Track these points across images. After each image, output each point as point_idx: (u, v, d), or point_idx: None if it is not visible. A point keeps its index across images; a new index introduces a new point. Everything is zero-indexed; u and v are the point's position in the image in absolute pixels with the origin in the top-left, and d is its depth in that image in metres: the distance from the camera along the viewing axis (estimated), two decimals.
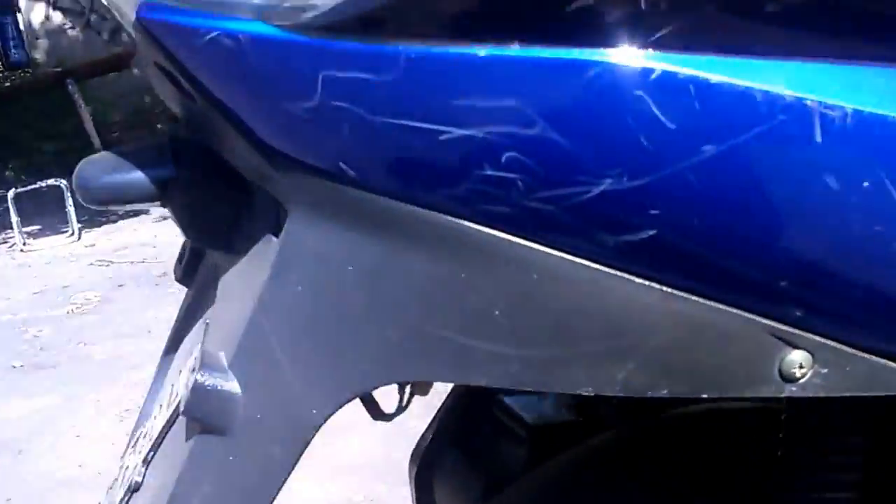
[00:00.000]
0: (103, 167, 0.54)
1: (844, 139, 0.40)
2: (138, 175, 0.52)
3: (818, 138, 0.39)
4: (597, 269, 0.42)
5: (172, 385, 0.59)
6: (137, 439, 0.64)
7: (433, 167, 0.42)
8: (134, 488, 0.58)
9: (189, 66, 0.42)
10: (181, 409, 0.46)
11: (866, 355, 0.45)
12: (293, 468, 0.47)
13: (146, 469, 0.58)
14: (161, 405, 0.60)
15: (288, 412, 0.46)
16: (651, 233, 0.41)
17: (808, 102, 0.39)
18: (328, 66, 0.40)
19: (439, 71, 0.40)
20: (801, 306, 0.43)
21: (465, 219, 0.42)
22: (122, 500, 0.59)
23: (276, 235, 0.46)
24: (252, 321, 0.45)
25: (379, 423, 0.72)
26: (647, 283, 0.42)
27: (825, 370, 0.45)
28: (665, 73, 0.39)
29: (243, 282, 0.51)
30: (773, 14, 0.41)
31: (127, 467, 0.62)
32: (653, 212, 0.41)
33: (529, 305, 0.43)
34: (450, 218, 0.42)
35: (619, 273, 0.42)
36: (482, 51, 0.39)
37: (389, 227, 0.43)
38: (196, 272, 0.69)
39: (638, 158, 0.40)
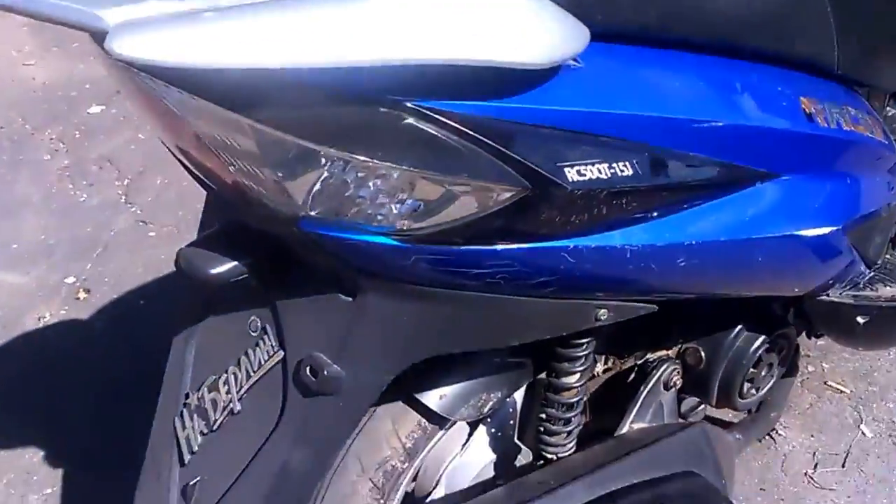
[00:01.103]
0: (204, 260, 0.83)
1: None
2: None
3: None
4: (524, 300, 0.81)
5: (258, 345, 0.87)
6: (225, 379, 0.89)
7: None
8: (232, 412, 0.88)
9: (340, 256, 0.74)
10: (309, 385, 0.81)
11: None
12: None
13: (241, 402, 0.87)
14: (247, 360, 0.88)
15: (370, 381, 0.82)
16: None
17: None
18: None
19: None
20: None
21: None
22: (216, 420, 0.89)
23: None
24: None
25: None
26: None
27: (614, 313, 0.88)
28: None
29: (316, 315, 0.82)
30: None
31: (213, 400, 0.90)
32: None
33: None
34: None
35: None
36: None
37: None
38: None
39: None
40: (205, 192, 0.94)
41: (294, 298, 0.83)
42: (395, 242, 0.72)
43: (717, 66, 0.88)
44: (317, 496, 0.92)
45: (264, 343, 0.85)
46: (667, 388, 1.21)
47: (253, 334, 0.87)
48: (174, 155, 0.83)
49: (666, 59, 0.83)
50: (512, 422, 1.19)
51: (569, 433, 1.09)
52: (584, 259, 0.78)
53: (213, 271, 0.81)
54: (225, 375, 0.89)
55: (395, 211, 0.70)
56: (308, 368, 0.80)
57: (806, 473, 1.60)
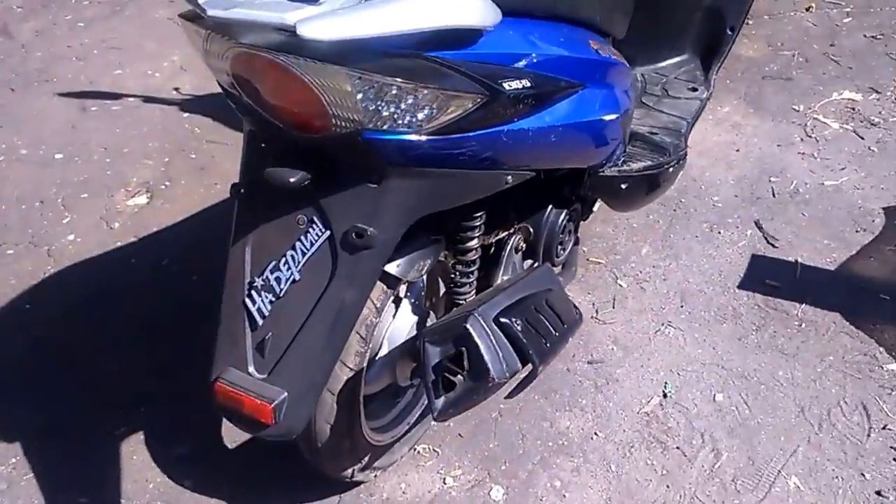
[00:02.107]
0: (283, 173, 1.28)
1: None
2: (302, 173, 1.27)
3: None
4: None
5: (307, 232, 1.32)
6: (284, 261, 1.33)
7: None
8: (294, 280, 1.32)
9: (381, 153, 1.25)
10: (355, 244, 1.29)
11: None
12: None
13: (300, 273, 1.32)
14: (301, 243, 1.32)
15: (391, 235, 1.33)
16: None
17: None
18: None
19: None
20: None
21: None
22: (282, 289, 1.33)
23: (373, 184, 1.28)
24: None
25: None
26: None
27: (513, 178, 1.49)
28: None
29: (352, 200, 1.29)
30: None
31: (277, 277, 1.33)
32: None
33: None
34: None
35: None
36: None
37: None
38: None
39: None
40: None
41: (335, 194, 1.30)
42: (414, 137, 1.24)
43: (554, 27, 1.52)
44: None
45: (313, 229, 1.31)
46: (516, 252, 1.80)
47: (301, 226, 1.32)
48: (253, 113, 1.28)
49: (532, 24, 1.46)
50: (423, 293, 1.72)
51: (471, 284, 1.64)
52: (507, 137, 1.34)
53: (293, 179, 1.25)
54: (283, 259, 1.33)
55: (417, 116, 1.22)
56: (354, 234, 1.28)
57: (592, 317, 2.27)
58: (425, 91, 1.20)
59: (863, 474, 1.84)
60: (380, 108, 1.19)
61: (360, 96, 1.16)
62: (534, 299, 1.52)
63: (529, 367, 1.40)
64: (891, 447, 1.89)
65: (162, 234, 2.63)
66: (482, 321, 1.36)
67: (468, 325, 1.34)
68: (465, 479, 1.88)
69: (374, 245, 1.29)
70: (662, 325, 2.24)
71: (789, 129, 2.99)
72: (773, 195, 2.68)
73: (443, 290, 1.76)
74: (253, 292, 1.35)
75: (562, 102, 1.47)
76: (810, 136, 2.94)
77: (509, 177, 1.45)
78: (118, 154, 3.02)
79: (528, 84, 1.33)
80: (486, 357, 1.34)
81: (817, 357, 2.12)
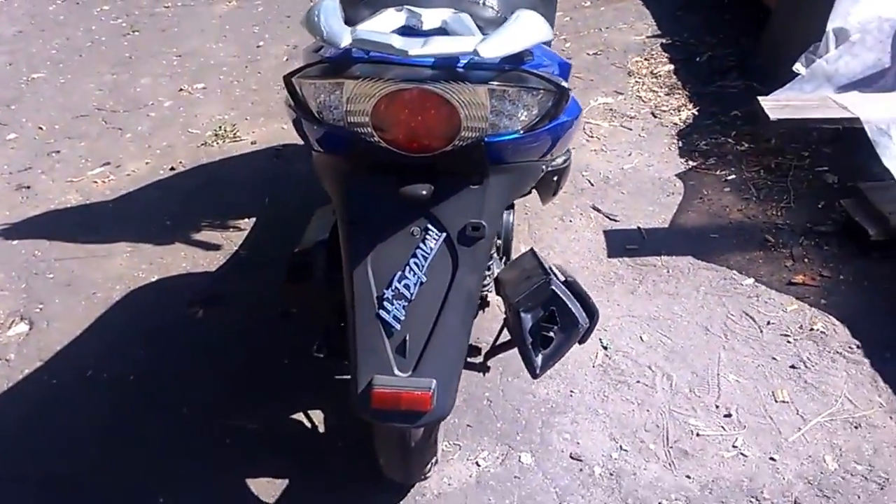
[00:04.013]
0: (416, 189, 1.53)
1: None
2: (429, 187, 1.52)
3: None
4: None
5: (424, 240, 1.53)
6: (409, 269, 1.52)
7: None
8: (422, 283, 1.52)
9: (488, 153, 1.54)
10: (472, 236, 1.54)
11: None
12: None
13: (426, 275, 1.52)
14: (421, 250, 1.53)
15: (495, 224, 1.59)
16: None
17: None
18: None
19: None
20: None
21: None
22: (413, 293, 1.52)
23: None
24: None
25: None
26: None
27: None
28: None
29: (460, 202, 1.54)
30: None
31: (406, 284, 1.51)
32: None
33: None
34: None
35: None
36: None
37: None
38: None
39: None
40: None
41: (443, 202, 1.52)
42: (515, 136, 1.52)
43: None
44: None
45: (429, 235, 1.52)
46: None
47: (416, 237, 1.52)
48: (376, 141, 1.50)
49: None
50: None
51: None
52: (559, 130, 1.64)
53: (424, 192, 1.48)
54: (407, 267, 1.52)
55: (520, 117, 1.49)
56: (470, 228, 1.51)
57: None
58: (525, 94, 1.48)
59: (773, 358, 2.34)
60: (500, 113, 1.46)
61: (495, 107, 1.43)
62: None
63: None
64: (781, 334, 2.42)
65: (66, 350, 2.53)
66: (558, 283, 1.63)
67: (553, 288, 1.61)
68: (493, 457, 2.10)
69: (483, 237, 1.53)
70: None
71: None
72: (592, 185, 3.20)
73: None
74: (385, 303, 1.51)
75: (571, 100, 1.79)
76: (592, 137, 3.53)
77: (544, 167, 1.74)
78: None
79: (566, 84, 1.65)
80: (573, 310, 1.61)
81: (693, 290, 2.62)
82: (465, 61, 1.44)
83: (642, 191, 3.15)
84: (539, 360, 1.61)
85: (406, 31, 1.50)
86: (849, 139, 3.17)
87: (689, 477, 2.02)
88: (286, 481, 2.04)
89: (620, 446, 2.11)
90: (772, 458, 2.05)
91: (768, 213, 2.94)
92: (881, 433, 2.09)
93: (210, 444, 2.18)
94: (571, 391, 2.28)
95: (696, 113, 3.64)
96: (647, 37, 4.41)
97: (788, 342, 2.39)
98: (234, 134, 3.72)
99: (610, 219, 3.00)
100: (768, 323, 2.47)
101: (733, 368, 2.32)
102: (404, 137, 1.47)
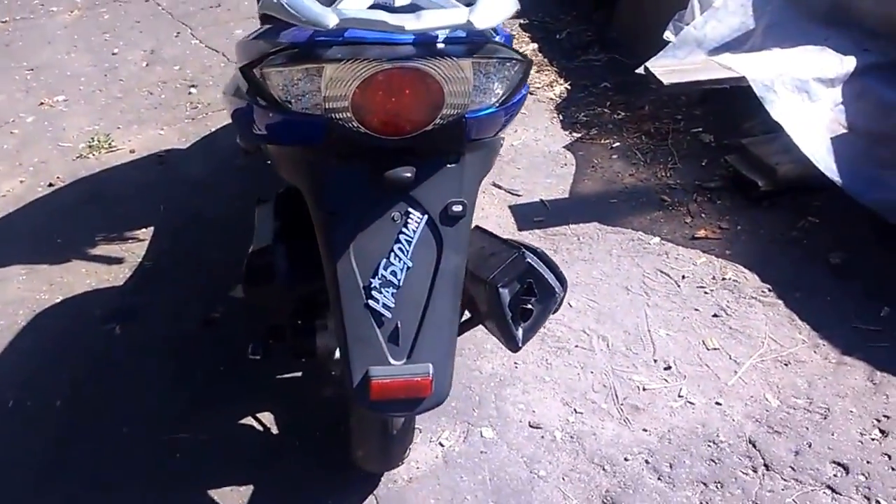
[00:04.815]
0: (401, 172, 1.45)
1: None
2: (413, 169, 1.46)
3: None
4: None
5: (406, 223, 1.47)
6: (394, 255, 1.46)
7: None
8: (408, 268, 1.46)
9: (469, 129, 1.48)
10: (454, 216, 1.49)
11: None
12: None
13: (411, 259, 1.46)
14: (404, 235, 1.46)
15: (474, 201, 1.55)
16: None
17: None
18: None
19: None
20: None
21: None
22: (400, 279, 1.45)
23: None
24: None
25: None
26: None
27: None
28: None
29: (439, 182, 1.48)
30: None
31: (392, 271, 1.46)
32: None
33: None
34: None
35: None
36: None
37: None
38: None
39: None
40: None
41: (422, 183, 1.46)
42: (493, 109, 1.47)
43: None
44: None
45: (411, 219, 1.46)
46: None
47: (397, 222, 1.46)
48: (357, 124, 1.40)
49: None
50: None
51: None
52: (520, 103, 1.60)
53: (408, 175, 1.43)
54: (392, 254, 1.46)
55: (496, 91, 1.46)
56: (452, 208, 1.46)
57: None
58: (501, 66, 1.44)
59: (696, 309, 2.45)
60: (480, 88, 1.42)
61: (475, 82, 1.39)
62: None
63: None
64: (697, 287, 2.53)
65: None
66: (531, 255, 1.63)
67: (529, 261, 1.60)
68: (455, 436, 2.08)
69: (465, 215, 1.49)
70: None
71: None
72: None
73: None
74: (373, 293, 1.45)
75: None
76: None
77: (501, 141, 1.72)
78: None
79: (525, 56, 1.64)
80: (549, 280, 1.61)
81: (606, 254, 2.70)
82: (443, 36, 1.38)
83: (536, 165, 3.20)
84: (520, 333, 1.60)
85: (378, 7, 1.43)
86: (714, 100, 3.36)
87: (645, 430, 2.08)
88: (251, 487, 1.93)
89: (574, 410, 2.14)
90: (717, 403, 2.14)
91: (658, 175, 3.06)
92: (810, 367, 2.23)
93: (159, 461, 2.03)
94: (515, 363, 2.29)
95: (569, 87, 3.74)
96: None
97: (706, 293, 2.50)
98: (110, 144, 3.47)
99: (512, 194, 3.03)
100: (683, 277, 2.57)
101: (661, 323, 2.40)
102: (385, 120, 1.40)
